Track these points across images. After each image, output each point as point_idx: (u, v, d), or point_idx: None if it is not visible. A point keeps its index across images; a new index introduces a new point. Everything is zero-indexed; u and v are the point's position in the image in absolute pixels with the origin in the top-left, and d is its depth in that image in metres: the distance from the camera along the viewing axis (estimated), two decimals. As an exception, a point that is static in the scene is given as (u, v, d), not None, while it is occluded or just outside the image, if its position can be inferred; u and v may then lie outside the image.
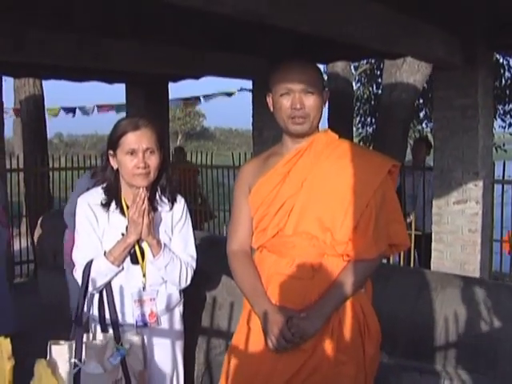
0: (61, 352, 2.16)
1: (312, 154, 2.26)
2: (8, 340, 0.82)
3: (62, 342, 2.24)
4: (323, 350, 2.16)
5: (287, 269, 2.22)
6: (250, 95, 7.58)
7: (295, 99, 2.21)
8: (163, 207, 2.60)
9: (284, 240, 2.25)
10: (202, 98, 13.04)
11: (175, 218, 2.62)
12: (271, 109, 2.32)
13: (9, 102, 12.22)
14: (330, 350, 2.16)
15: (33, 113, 10.60)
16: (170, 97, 9.67)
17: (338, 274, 2.18)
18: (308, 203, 2.21)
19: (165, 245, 2.52)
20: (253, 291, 2.27)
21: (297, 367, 2.16)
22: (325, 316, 2.14)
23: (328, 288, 2.17)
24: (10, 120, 12.77)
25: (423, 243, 6.39)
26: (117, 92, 10.80)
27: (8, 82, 11.62)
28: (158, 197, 2.59)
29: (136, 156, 2.43)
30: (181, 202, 2.66)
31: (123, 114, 10.62)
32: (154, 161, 2.47)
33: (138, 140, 2.43)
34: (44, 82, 10.87)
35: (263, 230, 2.29)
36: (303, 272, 2.19)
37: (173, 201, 2.62)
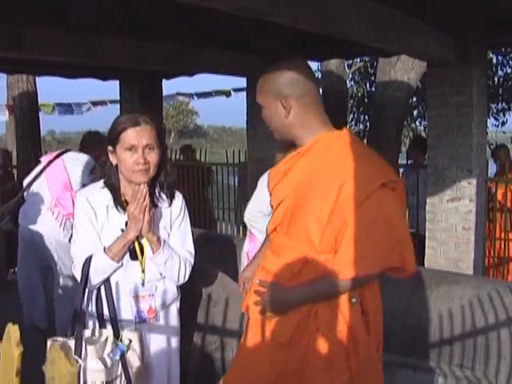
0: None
1: (310, 157, 2.19)
2: (16, 327, 0.82)
3: (60, 338, 2.23)
4: (304, 354, 2.14)
5: (272, 267, 2.23)
6: (243, 93, 7.59)
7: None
8: (162, 203, 2.60)
9: (278, 238, 2.25)
10: (195, 96, 13.00)
11: (174, 214, 2.62)
12: None
13: (1, 99, 12.17)
14: (311, 355, 2.13)
15: (26, 109, 10.55)
16: (164, 93, 9.64)
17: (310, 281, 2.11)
18: (299, 207, 2.16)
19: (164, 241, 2.52)
20: None
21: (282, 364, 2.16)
22: (282, 298, 2.14)
23: None
24: (3, 117, 12.70)
25: (417, 243, 6.40)
26: (110, 89, 10.78)
27: (1, 78, 11.59)
28: (157, 193, 2.59)
29: (136, 152, 2.42)
30: (179, 198, 2.66)
31: (117, 111, 10.60)
32: (153, 157, 2.46)
33: (138, 136, 2.42)
34: (37, 79, 10.81)
35: (269, 223, 2.32)
36: (283, 274, 2.18)
37: (171, 197, 2.62)
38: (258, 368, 2.21)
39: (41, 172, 4.76)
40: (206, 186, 9.14)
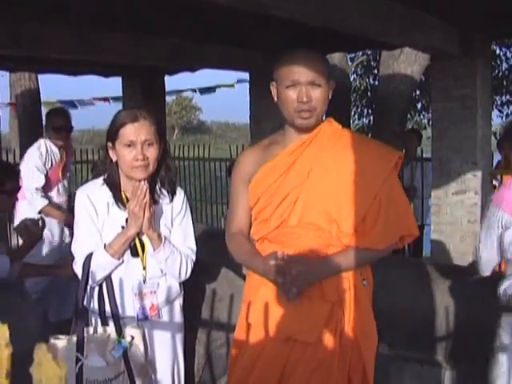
0: (61, 346, 2.14)
1: (318, 144, 2.21)
2: (5, 326, 0.79)
3: (62, 336, 2.22)
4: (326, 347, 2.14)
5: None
6: (246, 88, 7.57)
7: (302, 92, 2.12)
8: (163, 200, 2.57)
9: (288, 231, 2.21)
10: (197, 91, 12.97)
11: (175, 211, 2.59)
12: (275, 99, 2.24)
13: (4, 97, 12.16)
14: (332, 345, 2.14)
15: (28, 107, 10.56)
16: (166, 89, 9.62)
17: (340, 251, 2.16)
18: (314, 194, 2.16)
19: (165, 238, 2.50)
20: (249, 255, 2.29)
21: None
22: (316, 268, 2.13)
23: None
24: (6, 115, 12.72)
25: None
26: (113, 86, 10.76)
27: (4, 76, 11.59)
28: (157, 189, 2.56)
29: (134, 148, 2.40)
30: (180, 194, 2.63)
31: (119, 107, 10.57)
32: (152, 153, 2.43)
33: (136, 132, 2.39)
34: (39, 76, 10.81)
35: (265, 221, 2.25)
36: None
37: (172, 193, 2.59)
38: (272, 367, 2.17)
39: None
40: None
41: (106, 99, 12.71)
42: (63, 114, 5.14)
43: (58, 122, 4.93)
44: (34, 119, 10.53)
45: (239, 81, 11.72)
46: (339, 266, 2.14)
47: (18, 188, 3.48)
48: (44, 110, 11.34)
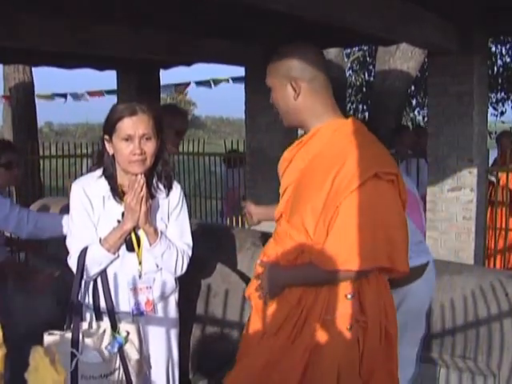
0: (56, 342, 2.12)
1: (313, 144, 2.15)
2: None
3: (56, 331, 2.20)
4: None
5: (272, 253, 2.22)
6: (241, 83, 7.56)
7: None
8: (160, 194, 2.55)
9: (280, 225, 2.23)
10: (193, 84, 12.90)
11: (171, 205, 2.57)
12: None
13: (-2, 90, 12.10)
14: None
15: (22, 100, 10.50)
16: (161, 83, 9.59)
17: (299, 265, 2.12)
18: (299, 197, 2.14)
19: (161, 233, 2.48)
20: None
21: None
22: (276, 277, 2.16)
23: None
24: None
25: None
26: (107, 79, 10.71)
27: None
28: (154, 183, 2.54)
29: (132, 142, 2.37)
30: (177, 188, 2.61)
31: (114, 101, 10.50)
32: (150, 147, 2.40)
33: (134, 126, 2.36)
34: (34, 69, 10.75)
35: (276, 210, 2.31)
36: (280, 261, 2.18)
37: (169, 187, 2.57)
38: (251, 357, 2.21)
39: None
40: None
41: (99, 93, 12.64)
42: (184, 114, 4.16)
43: (181, 125, 3.72)
44: (27, 112, 10.48)
45: (234, 79, 11.64)
46: (291, 282, 2.13)
47: (17, 160, 3.38)
48: (38, 103, 11.30)
